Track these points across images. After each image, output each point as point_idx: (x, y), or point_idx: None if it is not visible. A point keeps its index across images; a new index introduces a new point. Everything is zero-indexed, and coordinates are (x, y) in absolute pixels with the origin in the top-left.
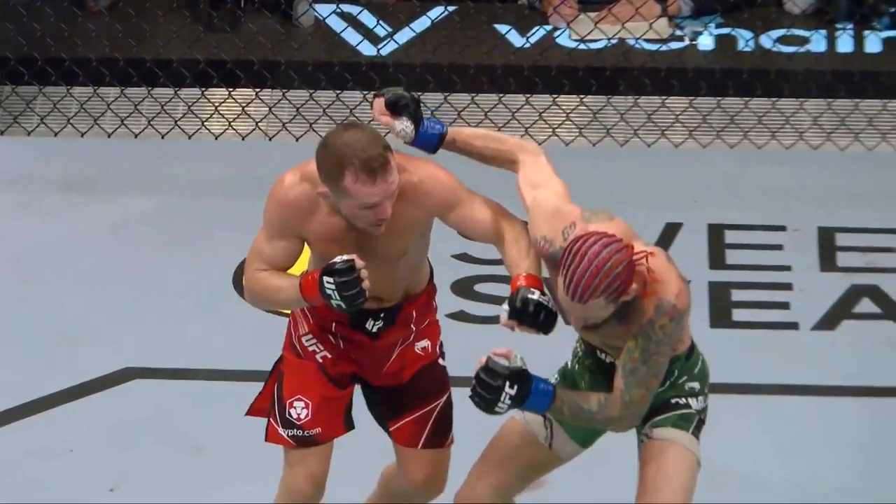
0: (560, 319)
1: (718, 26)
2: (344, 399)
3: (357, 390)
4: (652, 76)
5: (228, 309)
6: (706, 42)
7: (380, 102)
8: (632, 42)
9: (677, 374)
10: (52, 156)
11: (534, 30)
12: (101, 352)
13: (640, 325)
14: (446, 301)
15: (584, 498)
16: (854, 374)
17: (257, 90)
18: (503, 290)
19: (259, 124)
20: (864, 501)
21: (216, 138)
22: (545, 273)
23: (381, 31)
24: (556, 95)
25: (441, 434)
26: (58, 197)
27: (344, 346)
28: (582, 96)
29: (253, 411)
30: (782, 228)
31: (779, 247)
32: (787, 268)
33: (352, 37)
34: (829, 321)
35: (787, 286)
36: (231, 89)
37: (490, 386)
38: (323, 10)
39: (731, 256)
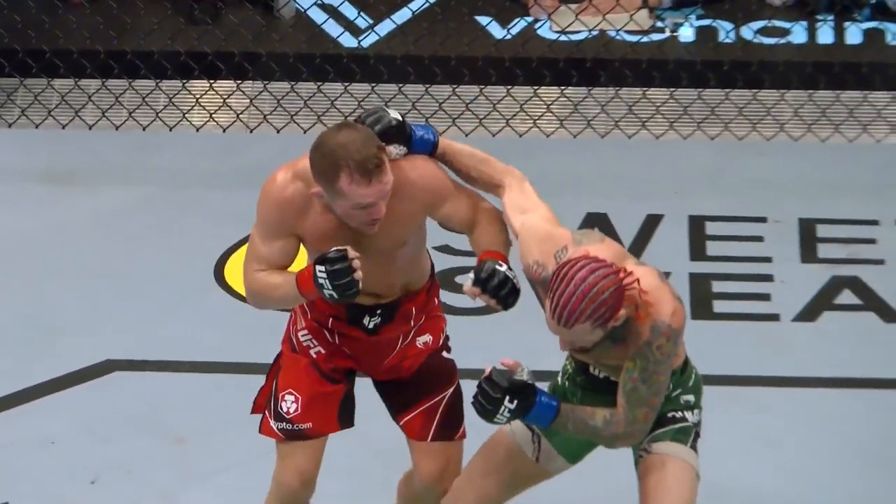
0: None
1: (699, 18)
2: (337, 394)
3: (359, 388)
4: (633, 68)
5: (210, 300)
6: (687, 33)
7: None
8: (612, 34)
9: (672, 388)
10: (33, 148)
11: (514, 21)
12: (81, 343)
13: (637, 346)
14: None
15: (583, 498)
16: (835, 366)
17: (238, 82)
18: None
19: (240, 116)
20: (844, 492)
21: (197, 130)
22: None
23: (362, 23)
24: (536, 87)
25: (450, 426)
26: (39, 189)
27: (340, 342)
28: (563, 88)
29: (256, 409)
30: (763, 220)
31: (760, 238)
32: (768, 259)
33: (333, 28)
34: (809, 312)
35: (768, 277)
36: (212, 81)
37: (490, 397)
38: (304, 1)
39: (712, 248)
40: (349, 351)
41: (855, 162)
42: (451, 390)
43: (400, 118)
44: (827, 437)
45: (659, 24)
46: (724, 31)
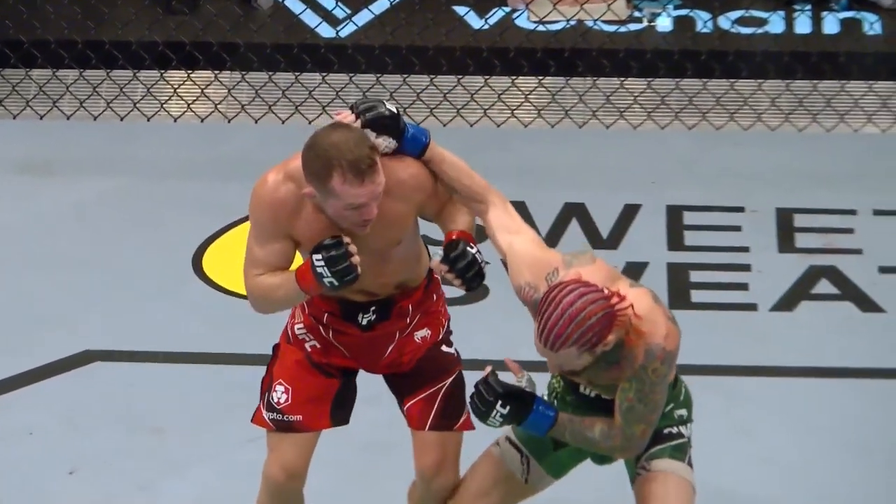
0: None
1: (676, 7)
2: (331, 389)
3: (360, 387)
4: (610, 57)
5: (188, 291)
6: (664, 23)
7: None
8: (590, 23)
9: (665, 403)
10: (10, 138)
11: (492, 11)
12: (60, 334)
13: (632, 369)
14: None
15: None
16: (812, 355)
17: (216, 72)
18: None
19: (218, 106)
20: (821, 481)
21: (175, 120)
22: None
23: (339, 13)
24: (514, 77)
25: (449, 416)
26: (16, 179)
27: (335, 338)
28: (540, 78)
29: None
30: (740, 210)
31: (737, 228)
32: (746, 249)
33: (310, 19)
34: (787, 302)
35: (746, 267)
36: (190, 71)
37: (484, 399)
38: None
39: (690, 238)
40: (344, 347)
41: (832, 151)
42: (450, 380)
43: (395, 111)
44: (803, 426)
45: (636, 13)
46: (702, 20)
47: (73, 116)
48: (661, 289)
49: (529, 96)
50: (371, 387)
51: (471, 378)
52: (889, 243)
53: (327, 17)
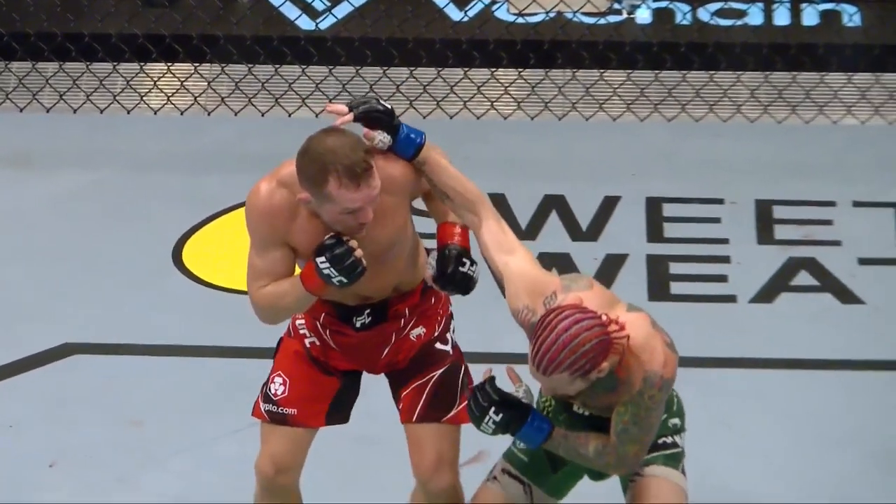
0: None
1: (655, 0)
2: (330, 388)
3: (363, 389)
4: (590, 49)
5: (168, 283)
6: (644, 15)
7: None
8: (570, 15)
9: None
10: None
11: (472, 3)
12: (40, 327)
13: (629, 395)
14: None
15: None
16: (791, 347)
17: (196, 64)
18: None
19: (198, 99)
20: (799, 472)
21: (155, 113)
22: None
23: (319, 5)
24: (494, 69)
25: (438, 408)
26: None
27: (332, 338)
28: (520, 70)
29: None
30: (720, 201)
31: (716, 220)
32: (725, 241)
33: (290, 11)
34: (766, 294)
35: (725, 259)
36: (170, 64)
37: (479, 404)
38: None
39: (669, 229)
40: (340, 348)
41: (811, 143)
42: (439, 371)
43: (389, 108)
44: (782, 418)
45: (616, 5)
46: (681, 12)
47: (52, 109)
48: (641, 280)
49: (509, 88)
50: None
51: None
52: (868, 234)
53: (307, 9)
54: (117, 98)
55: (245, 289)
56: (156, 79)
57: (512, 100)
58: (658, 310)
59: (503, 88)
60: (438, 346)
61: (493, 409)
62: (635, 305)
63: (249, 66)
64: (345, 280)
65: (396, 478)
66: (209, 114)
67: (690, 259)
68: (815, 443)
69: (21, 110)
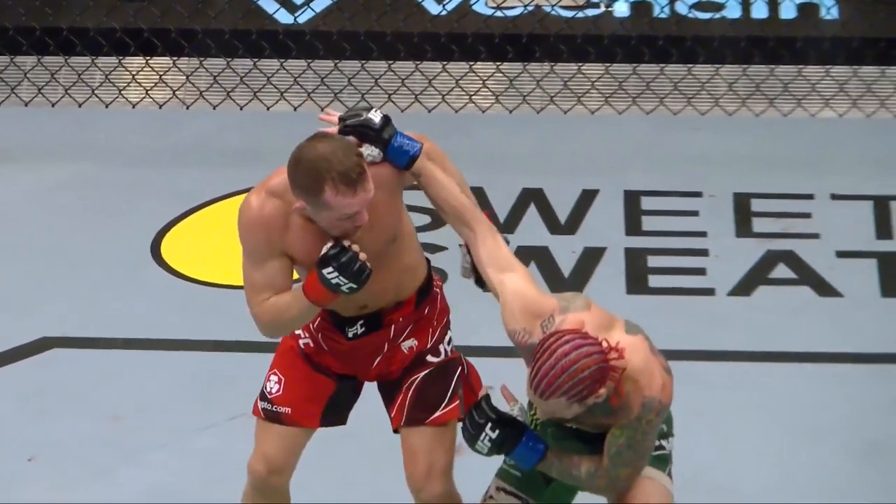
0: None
1: None
2: (325, 390)
3: (364, 392)
4: (568, 43)
5: (146, 278)
6: (622, 8)
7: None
8: (548, 9)
9: None
10: None
11: None
12: (18, 321)
13: (627, 419)
14: None
15: None
16: (769, 340)
17: (174, 58)
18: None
19: (176, 93)
20: (777, 465)
21: (133, 107)
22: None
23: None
24: (472, 63)
25: (422, 409)
26: None
27: (324, 342)
28: (498, 63)
29: None
30: (698, 194)
31: (695, 213)
32: (703, 234)
33: (269, 4)
34: (744, 287)
35: (703, 252)
36: (148, 58)
37: (475, 422)
38: None
39: (648, 223)
40: (331, 352)
41: (789, 136)
42: (423, 373)
43: (378, 119)
44: (760, 410)
45: None
46: (659, 5)
47: (31, 103)
48: (619, 273)
49: (487, 82)
50: None
51: None
52: (846, 227)
53: (285, 2)
54: (96, 92)
55: (225, 283)
56: (134, 73)
57: (490, 93)
58: (636, 303)
59: (481, 82)
60: (430, 358)
61: (489, 425)
62: (633, 323)
63: (228, 59)
64: (354, 286)
65: (397, 478)
66: (188, 107)
67: (669, 252)
68: (792, 435)
69: None
